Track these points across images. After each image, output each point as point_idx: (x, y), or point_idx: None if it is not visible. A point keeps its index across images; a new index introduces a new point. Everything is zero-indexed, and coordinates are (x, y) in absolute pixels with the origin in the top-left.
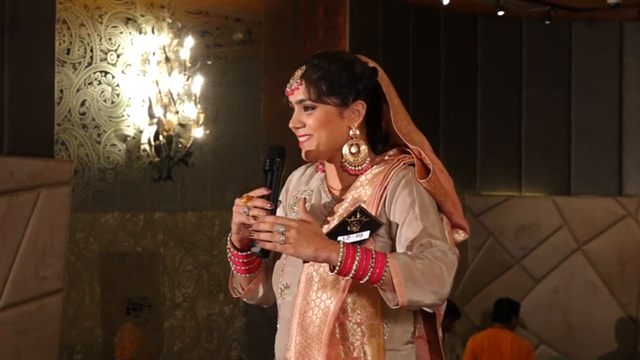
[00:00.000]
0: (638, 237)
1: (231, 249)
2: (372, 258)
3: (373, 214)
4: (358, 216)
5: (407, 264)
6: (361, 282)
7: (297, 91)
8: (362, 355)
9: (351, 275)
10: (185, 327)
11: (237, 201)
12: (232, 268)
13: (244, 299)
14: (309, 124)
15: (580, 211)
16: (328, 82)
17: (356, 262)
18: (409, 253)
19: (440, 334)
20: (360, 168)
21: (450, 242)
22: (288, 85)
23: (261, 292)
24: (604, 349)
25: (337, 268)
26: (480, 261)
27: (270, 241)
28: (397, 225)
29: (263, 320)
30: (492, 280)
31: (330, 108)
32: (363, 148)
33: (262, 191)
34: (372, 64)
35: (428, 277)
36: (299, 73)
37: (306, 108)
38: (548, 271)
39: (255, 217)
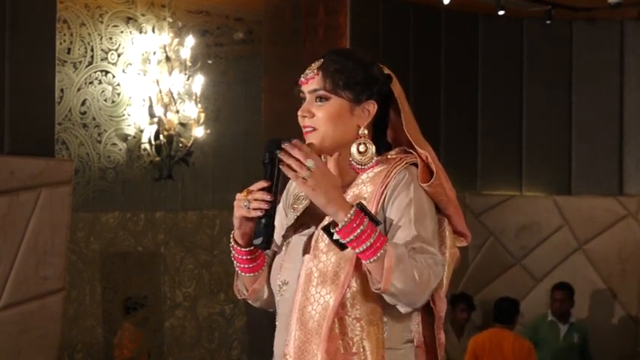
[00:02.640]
0: (639, 236)
1: (234, 246)
2: (375, 234)
3: (372, 211)
4: None
5: (403, 256)
6: (354, 251)
7: (312, 81)
8: (361, 350)
9: (348, 240)
10: (186, 326)
11: (238, 195)
12: (236, 269)
13: (249, 301)
14: (319, 116)
15: (580, 211)
16: (345, 76)
17: (360, 229)
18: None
19: (442, 338)
20: (366, 167)
21: (450, 242)
22: (303, 74)
23: (266, 293)
24: (604, 348)
25: (340, 226)
26: (480, 260)
27: (296, 171)
28: (391, 224)
29: (264, 320)
30: (493, 280)
31: (343, 102)
32: (371, 147)
33: (262, 184)
34: (386, 71)
35: (416, 278)
36: (316, 64)
37: (319, 98)
38: (549, 270)
39: (256, 210)
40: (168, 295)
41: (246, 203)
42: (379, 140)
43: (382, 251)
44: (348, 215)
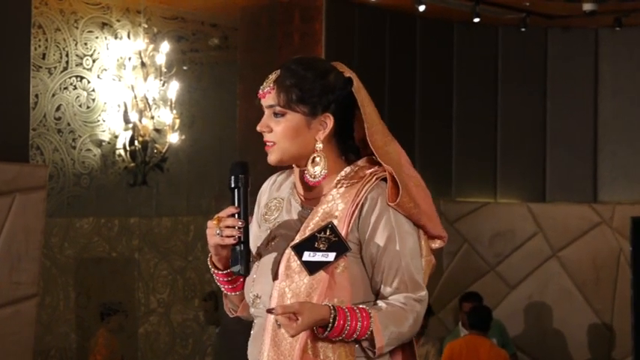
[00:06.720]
0: (613, 244)
1: (214, 270)
2: (359, 323)
3: (343, 231)
4: (328, 233)
5: (388, 321)
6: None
7: (268, 95)
8: None
9: (338, 339)
10: (160, 332)
11: (209, 223)
12: (222, 290)
13: (242, 317)
14: (276, 131)
15: (555, 218)
16: (299, 90)
17: (345, 330)
18: (386, 302)
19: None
20: (316, 180)
21: (425, 250)
22: (261, 87)
23: None
24: (578, 355)
25: (326, 334)
26: (455, 267)
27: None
28: (371, 250)
29: (238, 326)
30: (467, 287)
31: (299, 117)
32: (323, 159)
33: (231, 210)
34: (348, 74)
35: (405, 331)
36: (273, 77)
37: (275, 114)
38: (523, 277)
39: (229, 237)
40: (142, 301)
41: (219, 231)
42: (345, 145)
43: (369, 332)
44: (330, 325)
